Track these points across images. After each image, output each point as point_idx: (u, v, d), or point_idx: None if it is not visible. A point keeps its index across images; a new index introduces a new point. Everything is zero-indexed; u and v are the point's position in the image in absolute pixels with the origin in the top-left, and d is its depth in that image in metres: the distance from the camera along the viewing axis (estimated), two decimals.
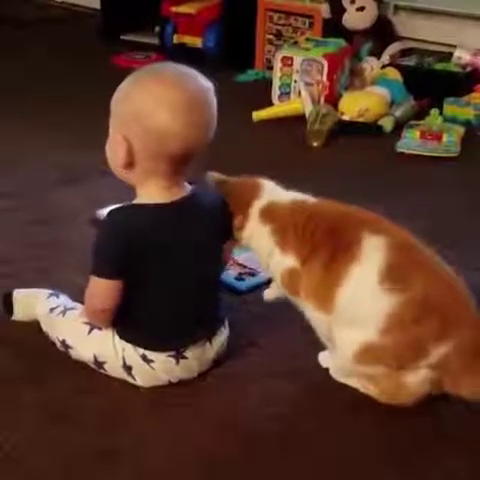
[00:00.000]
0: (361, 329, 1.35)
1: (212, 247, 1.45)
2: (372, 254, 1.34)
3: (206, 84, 1.35)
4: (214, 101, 1.36)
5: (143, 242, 1.34)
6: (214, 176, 1.48)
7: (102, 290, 1.38)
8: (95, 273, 1.37)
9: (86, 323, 1.47)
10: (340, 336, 1.39)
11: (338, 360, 1.45)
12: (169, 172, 1.36)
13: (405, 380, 1.37)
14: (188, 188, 1.41)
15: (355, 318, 1.36)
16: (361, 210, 1.42)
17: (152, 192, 1.37)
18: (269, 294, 1.56)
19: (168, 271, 1.38)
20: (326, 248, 1.36)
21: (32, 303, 1.61)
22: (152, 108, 1.30)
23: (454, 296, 1.36)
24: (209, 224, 1.42)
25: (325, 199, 1.44)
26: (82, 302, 1.50)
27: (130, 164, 1.35)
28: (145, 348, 1.42)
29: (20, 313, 1.62)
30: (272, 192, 1.45)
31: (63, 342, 1.50)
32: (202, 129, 1.34)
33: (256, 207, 1.44)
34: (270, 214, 1.43)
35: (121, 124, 1.35)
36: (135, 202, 1.39)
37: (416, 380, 1.37)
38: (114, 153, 1.36)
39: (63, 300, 1.59)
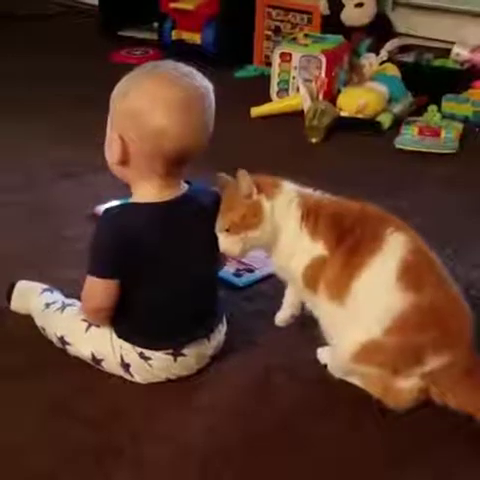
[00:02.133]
0: (366, 325, 1.35)
1: (208, 246, 1.44)
2: (394, 249, 1.34)
3: (205, 84, 1.34)
4: (212, 102, 1.35)
5: (138, 241, 1.34)
6: (225, 177, 1.44)
7: (98, 290, 1.38)
8: (91, 273, 1.37)
9: (84, 320, 1.47)
10: (343, 334, 1.39)
11: (335, 359, 1.45)
12: (164, 172, 1.35)
13: (395, 385, 1.38)
14: (184, 187, 1.41)
15: (363, 311, 1.35)
16: (378, 208, 1.41)
17: (147, 191, 1.37)
18: (282, 321, 1.54)
19: (164, 270, 1.38)
20: (351, 238, 1.36)
21: (28, 296, 1.61)
22: (147, 107, 1.29)
23: (457, 313, 1.37)
24: (204, 223, 1.42)
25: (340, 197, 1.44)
26: (79, 298, 1.51)
27: (125, 162, 1.35)
28: (143, 346, 1.42)
29: (17, 304, 1.63)
30: (293, 187, 1.44)
31: (61, 338, 1.50)
32: (198, 130, 1.33)
33: (290, 191, 1.41)
34: (301, 202, 1.40)
35: (117, 122, 1.35)
36: (130, 201, 1.39)
37: (406, 386, 1.38)
38: (110, 150, 1.37)
39: (58, 296, 1.60)
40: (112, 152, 1.36)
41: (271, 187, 1.41)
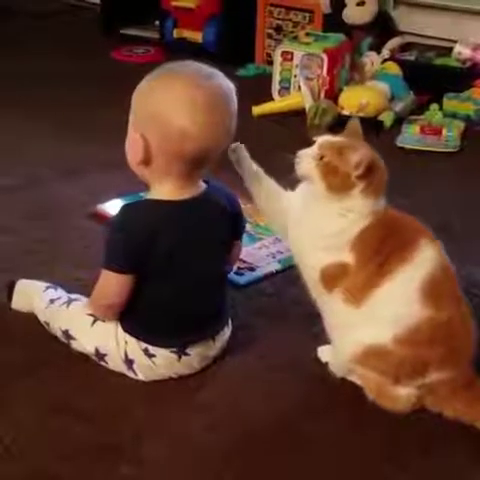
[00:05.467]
0: (377, 330, 1.35)
1: (220, 246, 1.45)
2: (424, 262, 1.34)
3: (228, 85, 1.34)
4: (235, 104, 1.34)
5: (154, 238, 1.34)
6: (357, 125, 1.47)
7: (112, 284, 1.38)
8: (106, 267, 1.37)
9: (90, 315, 1.47)
10: (349, 332, 1.38)
11: (335, 355, 1.46)
12: (184, 172, 1.35)
13: (392, 391, 1.38)
14: (202, 186, 1.41)
15: (378, 316, 1.35)
16: (414, 219, 1.41)
17: (165, 189, 1.37)
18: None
19: (174, 268, 1.38)
20: (386, 251, 1.34)
21: (30, 294, 1.61)
22: (170, 108, 1.29)
23: (466, 332, 1.37)
24: (219, 223, 1.42)
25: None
26: (82, 295, 1.51)
27: (146, 161, 1.35)
28: (148, 343, 1.42)
29: (19, 302, 1.63)
30: (384, 202, 1.41)
31: (65, 332, 1.50)
32: (221, 132, 1.33)
33: (379, 207, 1.38)
34: (372, 218, 1.37)
35: (139, 122, 1.34)
36: (148, 197, 1.40)
37: (402, 393, 1.38)
38: (131, 149, 1.36)
39: (62, 292, 1.60)
40: (134, 152, 1.35)
41: (377, 191, 1.37)
